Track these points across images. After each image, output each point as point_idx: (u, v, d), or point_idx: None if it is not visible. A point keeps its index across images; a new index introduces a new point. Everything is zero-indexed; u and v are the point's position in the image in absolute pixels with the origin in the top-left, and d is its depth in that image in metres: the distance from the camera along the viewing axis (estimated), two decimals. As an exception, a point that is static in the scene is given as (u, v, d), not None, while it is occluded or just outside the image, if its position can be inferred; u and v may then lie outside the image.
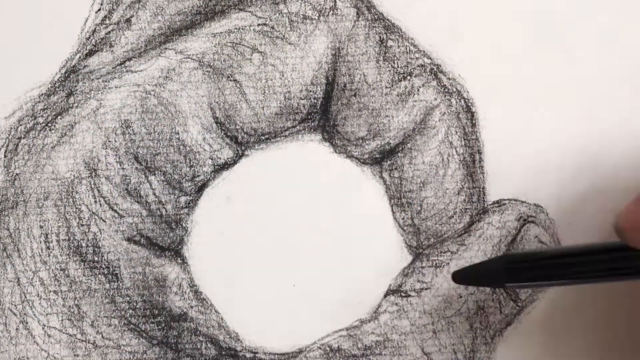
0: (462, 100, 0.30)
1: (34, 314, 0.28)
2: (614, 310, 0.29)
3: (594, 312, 0.29)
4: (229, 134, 0.29)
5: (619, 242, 0.24)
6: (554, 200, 0.29)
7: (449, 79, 0.30)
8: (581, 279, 0.26)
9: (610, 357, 0.29)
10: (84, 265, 0.29)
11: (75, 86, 0.29)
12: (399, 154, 0.30)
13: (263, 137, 0.30)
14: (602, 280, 0.26)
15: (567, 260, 0.26)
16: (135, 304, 0.29)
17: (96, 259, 0.29)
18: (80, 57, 0.30)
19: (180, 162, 0.29)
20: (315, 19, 0.29)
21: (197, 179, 0.29)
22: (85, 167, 0.29)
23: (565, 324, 0.29)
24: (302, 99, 0.29)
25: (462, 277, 0.28)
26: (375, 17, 0.30)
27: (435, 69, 0.30)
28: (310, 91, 0.29)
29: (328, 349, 0.29)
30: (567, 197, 0.29)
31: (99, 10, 0.30)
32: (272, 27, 0.29)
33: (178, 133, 0.29)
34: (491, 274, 0.27)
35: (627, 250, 0.24)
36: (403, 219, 0.30)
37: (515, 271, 0.26)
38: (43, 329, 0.28)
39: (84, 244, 0.29)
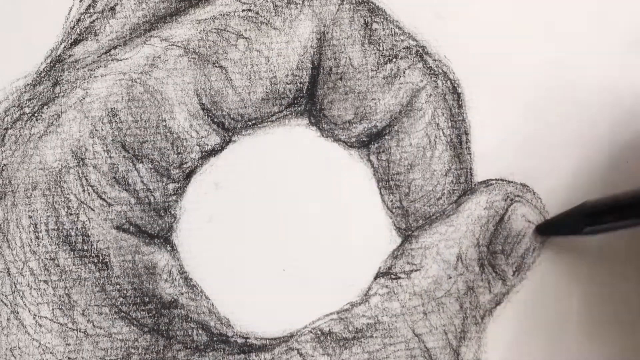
0: (448, 82, 0.30)
1: (25, 304, 0.28)
2: (602, 289, 0.29)
3: (583, 290, 0.29)
4: (215, 120, 0.29)
5: None
6: (540, 179, 0.29)
7: (435, 60, 0.30)
8: None
9: (600, 335, 0.29)
10: (74, 254, 0.29)
11: (61, 75, 0.29)
12: (386, 137, 0.30)
13: (250, 123, 0.30)
14: None
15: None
16: (125, 292, 0.29)
17: (85, 247, 0.29)
18: (65, 47, 0.30)
19: (168, 150, 0.29)
20: (299, 3, 0.29)
21: (184, 166, 0.29)
22: (72, 156, 0.29)
23: (554, 303, 0.29)
24: (288, 84, 0.29)
25: (543, 229, 0.29)
26: (360, 0, 0.30)
27: (420, 50, 0.30)
28: (296, 76, 0.29)
29: (319, 332, 0.29)
30: (554, 176, 0.29)
31: (83, -1, 0.30)
32: (257, 13, 0.29)
33: (165, 120, 0.29)
34: (570, 223, 0.28)
35: None
36: (391, 201, 0.30)
37: (594, 217, 0.27)
38: (34, 318, 0.28)
39: (73, 233, 0.29)
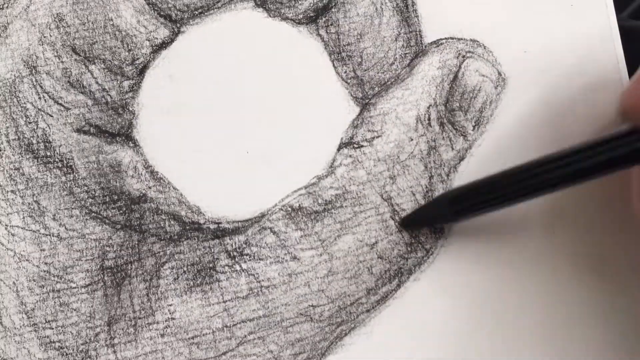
0: (388, -51, 0.30)
1: (-5, 215, 0.29)
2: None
3: (541, 132, 0.30)
4: (162, 13, 0.29)
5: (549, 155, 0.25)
6: (489, 33, 0.30)
7: None
8: (525, 196, 0.26)
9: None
10: (38, 161, 0.29)
11: (3, -12, 0.29)
12: (333, 10, 0.30)
13: (197, 12, 0.30)
14: (549, 191, 0.26)
15: (507, 181, 0.27)
16: (93, 192, 0.29)
17: (49, 153, 0.29)
18: (4, -40, 0.30)
19: (118, 48, 0.29)
20: None
21: (137, 62, 0.29)
22: (24, 65, 0.29)
23: (516, 149, 0.29)
24: (230, -30, 0.29)
25: (408, 222, 0.28)
26: None
27: None
28: (237, -39, 0.29)
29: (289, 209, 0.29)
30: (503, 27, 0.30)
31: None
32: None
33: (112, 19, 0.29)
34: (436, 213, 0.28)
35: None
36: (345, 72, 0.30)
37: (459, 205, 0.27)
38: (6, 229, 0.29)
39: (34, 141, 0.29)
